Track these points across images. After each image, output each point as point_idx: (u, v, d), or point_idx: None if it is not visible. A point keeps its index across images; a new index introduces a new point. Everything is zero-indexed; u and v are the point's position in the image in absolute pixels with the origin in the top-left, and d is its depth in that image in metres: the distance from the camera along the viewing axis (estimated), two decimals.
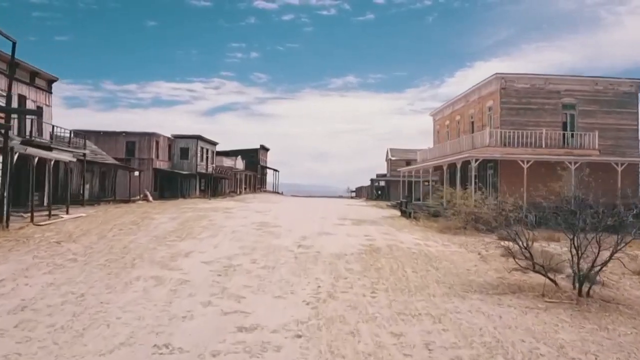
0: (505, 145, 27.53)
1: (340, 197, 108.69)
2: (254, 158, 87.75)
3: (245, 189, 76.02)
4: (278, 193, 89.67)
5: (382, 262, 12.02)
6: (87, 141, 39.20)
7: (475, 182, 24.34)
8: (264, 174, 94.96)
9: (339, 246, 14.42)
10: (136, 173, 37.08)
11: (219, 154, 68.99)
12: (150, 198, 38.01)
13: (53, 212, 19.95)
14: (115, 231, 16.16)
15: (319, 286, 9.19)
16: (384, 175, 73.16)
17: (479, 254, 14.49)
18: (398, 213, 32.46)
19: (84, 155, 29.30)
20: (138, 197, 37.55)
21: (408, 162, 65.87)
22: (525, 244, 10.17)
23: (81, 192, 31.57)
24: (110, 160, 37.30)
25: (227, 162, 68.33)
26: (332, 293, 8.68)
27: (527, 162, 25.55)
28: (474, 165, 25.72)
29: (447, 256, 13.71)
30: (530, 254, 10.05)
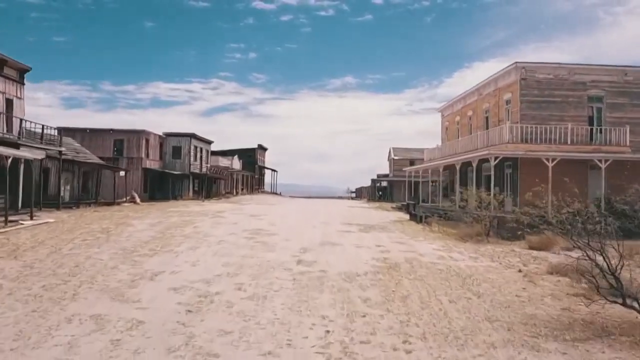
0: (525, 141, 24.84)
1: (340, 198, 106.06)
2: (251, 158, 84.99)
3: (242, 189, 73.30)
4: (276, 194, 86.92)
5: (406, 286, 9.29)
6: (70, 139, 36.49)
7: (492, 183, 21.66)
8: (262, 174, 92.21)
9: (348, 262, 11.69)
10: (122, 173, 34.32)
11: (215, 153, 66.25)
12: (138, 200, 35.26)
13: (13, 218, 17.19)
14: (77, 242, 13.41)
15: (328, 331, 6.46)
16: (386, 176, 70.48)
17: (520, 270, 11.78)
18: (406, 216, 29.75)
19: (60, 153, 26.51)
20: (124, 199, 34.79)
21: (412, 162, 63.21)
22: (608, 265, 7.44)
23: (60, 194, 28.83)
24: (94, 159, 34.54)
25: (223, 161, 65.59)
26: (347, 345, 5.94)
27: (553, 160, 22.87)
28: (492, 164, 23.00)
29: (482, 274, 10.98)
30: (618, 280, 7.32)
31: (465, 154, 28.63)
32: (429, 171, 35.04)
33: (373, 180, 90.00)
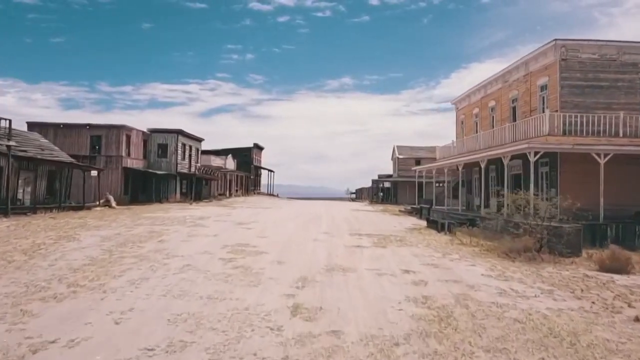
0: (567, 133, 20.73)
1: (340, 199, 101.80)
2: (246, 157, 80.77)
3: (236, 191, 69.10)
4: (273, 195, 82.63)
5: None
6: (36, 134, 32.25)
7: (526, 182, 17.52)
8: (258, 175, 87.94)
9: (372, 308, 7.49)
10: (93, 173, 30.06)
11: (208, 152, 62.05)
12: (113, 203, 31.00)
13: None
14: None
15: None
16: (389, 176, 66.31)
17: (638, 319, 7.60)
18: (421, 222, 25.56)
19: (9, 148, 22.24)
20: (97, 203, 30.53)
21: (418, 161, 59.09)
22: None
23: (17, 196, 24.62)
24: (63, 158, 30.26)
25: (216, 161, 61.38)
26: None
27: (605, 155, 18.77)
28: (532, 160, 18.85)
29: (587, 329, 6.81)
30: None
31: (490, 150, 24.45)
32: (445, 170, 30.83)
33: (375, 181, 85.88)
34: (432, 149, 62.04)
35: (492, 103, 28.82)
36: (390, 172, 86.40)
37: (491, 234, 18.98)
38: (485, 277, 10.56)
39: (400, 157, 59.37)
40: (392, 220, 26.92)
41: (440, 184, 58.21)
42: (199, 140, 51.26)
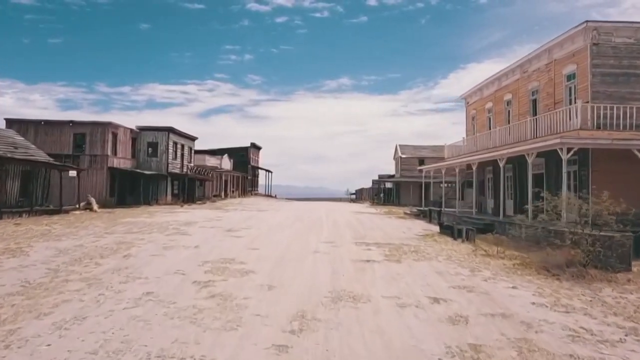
0: (600, 127, 18.31)
1: (339, 200, 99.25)
2: (243, 157, 78.25)
3: (233, 191, 66.59)
4: (271, 196, 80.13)
5: None
6: (12, 131, 29.74)
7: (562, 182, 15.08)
8: (255, 175, 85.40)
9: None
10: (72, 173, 27.55)
11: (203, 152, 59.57)
12: (95, 206, 28.47)
13: None
14: None
15: None
16: (391, 176, 63.85)
17: None
18: (432, 227, 23.09)
19: None
20: (77, 206, 28.01)
21: (421, 160, 56.65)
22: None
23: None
24: (39, 157, 27.72)
25: (211, 161, 58.90)
26: None
27: None
28: (565, 157, 16.41)
29: None
30: None
31: (512, 146, 22.00)
32: (456, 170, 28.32)
33: (375, 181, 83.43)
34: (436, 148, 59.61)
35: (508, 96, 26.35)
36: (391, 172, 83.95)
37: (517, 243, 16.56)
38: (537, 307, 8.08)
39: (403, 156, 56.90)
40: (400, 225, 24.44)
41: (448, 185, 55.87)
42: (192, 138, 48.74)
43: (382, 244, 15.65)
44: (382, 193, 68.40)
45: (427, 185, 56.98)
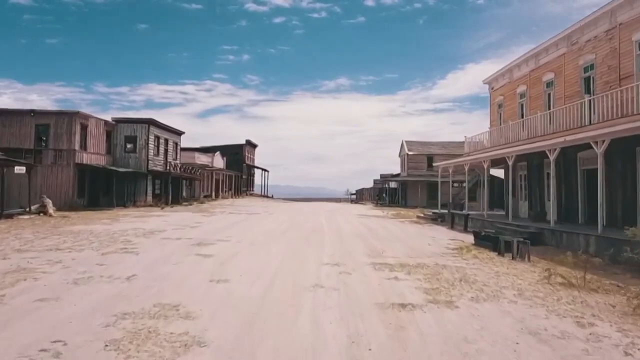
0: None
1: (339, 200, 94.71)
2: (238, 155, 73.58)
3: (226, 192, 61.92)
4: (267, 197, 75.45)
5: None
6: None
7: None
8: (251, 175, 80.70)
9: None
10: (19, 169, 22.85)
11: (193, 149, 54.96)
12: (51, 210, 23.76)
13: None
14: None
15: None
16: (396, 175, 59.20)
17: None
18: (462, 236, 18.43)
19: None
20: (28, 209, 23.31)
21: (430, 158, 52.07)
22: None
23: None
24: None
25: (202, 158, 54.28)
26: None
27: None
28: None
29: None
30: None
31: (560, 134, 17.38)
32: (484, 165, 23.64)
33: (378, 181, 78.89)
34: (446, 144, 55.00)
35: (548, 76, 21.71)
36: (392, 172, 79.48)
37: (565, 255, 11.89)
38: None
39: (410, 153, 52.22)
40: (419, 233, 19.80)
41: (458, 184, 51.30)
42: (178, 133, 44.03)
43: (411, 265, 10.99)
44: (386, 194, 63.80)
45: (436, 185, 52.45)
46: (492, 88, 28.14)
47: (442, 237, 18.11)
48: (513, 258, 13.21)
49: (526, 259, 13.05)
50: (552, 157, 16.68)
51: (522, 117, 23.92)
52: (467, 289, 8.67)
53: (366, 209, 43.93)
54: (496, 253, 14.09)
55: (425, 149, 52.83)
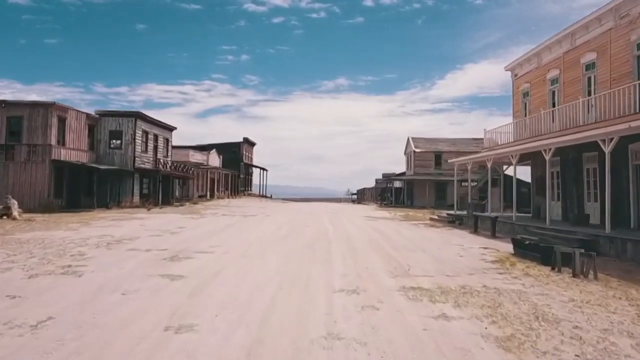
0: None
1: (340, 200, 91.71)
2: (235, 154, 70.60)
3: (222, 191, 58.93)
4: (265, 197, 72.45)
5: None
6: None
7: None
8: (249, 174, 77.71)
9: None
10: None
11: (188, 147, 52.02)
12: (16, 212, 20.76)
13: None
14: None
15: None
16: (401, 174, 56.23)
17: None
18: (493, 242, 15.46)
19: None
20: None
21: (438, 155, 49.14)
22: None
23: None
24: None
25: (196, 156, 51.33)
26: None
27: None
28: None
29: None
30: None
31: (604, 124, 14.45)
32: (512, 159, 20.63)
33: (380, 180, 75.95)
34: (455, 141, 52.07)
35: (589, 56, 18.75)
36: (392, 171, 76.49)
37: None
38: None
39: (417, 150, 49.23)
40: (441, 239, 16.83)
41: (464, 184, 48.28)
42: (169, 128, 41.03)
43: (455, 290, 8.04)
44: (390, 193, 60.81)
45: (444, 184, 49.52)
46: (516, 75, 25.18)
47: (471, 245, 15.15)
48: (574, 275, 10.27)
49: (591, 276, 10.13)
50: (607, 149, 13.73)
51: (554, 106, 21.00)
52: (557, 337, 5.71)
53: (371, 209, 40.97)
54: (549, 268, 11.15)
55: (433, 145, 49.87)
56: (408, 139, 52.24)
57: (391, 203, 53.22)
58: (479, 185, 46.06)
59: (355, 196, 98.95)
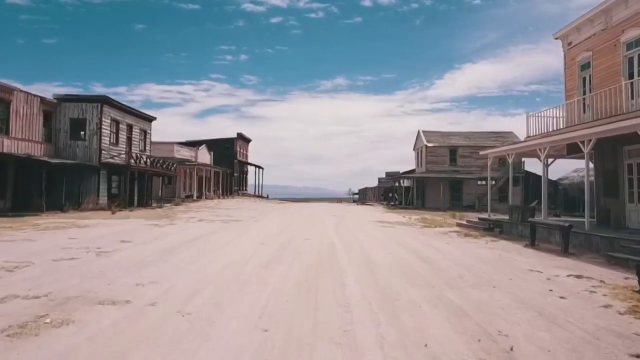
0: None
1: (341, 200, 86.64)
2: (228, 150, 65.39)
3: (214, 191, 53.65)
4: (261, 197, 67.13)
5: None
6: None
7: None
8: (244, 172, 72.42)
9: None
10: None
11: (174, 142, 46.74)
12: None
13: None
14: None
15: None
16: (411, 171, 50.97)
17: None
18: (585, 268, 10.20)
19: None
20: None
21: (453, 150, 43.90)
22: None
23: None
24: None
25: (182, 152, 46.06)
26: None
27: None
28: None
29: None
30: None
31: None
32: (587, 147, 15.33)
33: (384, 179, 70.82)
34: (470, 135, 46.81)
35: None
36: (391, 170, 71.21)
37: None
38: None
39: (429, 145, 43.92)
40: (502, 261, 11.55)
41: (482, 183, 43.16)
42: (147, 119, 35.68)
43: None
44: (396, 193, 55.51)
45: (459, 182, 44.33)
46: (570, 44, 19.89)
47: (553, 271, 9.88)
48: None
49: None
50: None
51: (628, 78, 15.77)
52: None
53: (379, 212, 35.70)
54: None
55: (447, 140, 44.60)
56: (418, 132, 46.97)
57: (400, 204, 47.96)
58: (499, 184, 40.92)
59: (356, 196, 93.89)
